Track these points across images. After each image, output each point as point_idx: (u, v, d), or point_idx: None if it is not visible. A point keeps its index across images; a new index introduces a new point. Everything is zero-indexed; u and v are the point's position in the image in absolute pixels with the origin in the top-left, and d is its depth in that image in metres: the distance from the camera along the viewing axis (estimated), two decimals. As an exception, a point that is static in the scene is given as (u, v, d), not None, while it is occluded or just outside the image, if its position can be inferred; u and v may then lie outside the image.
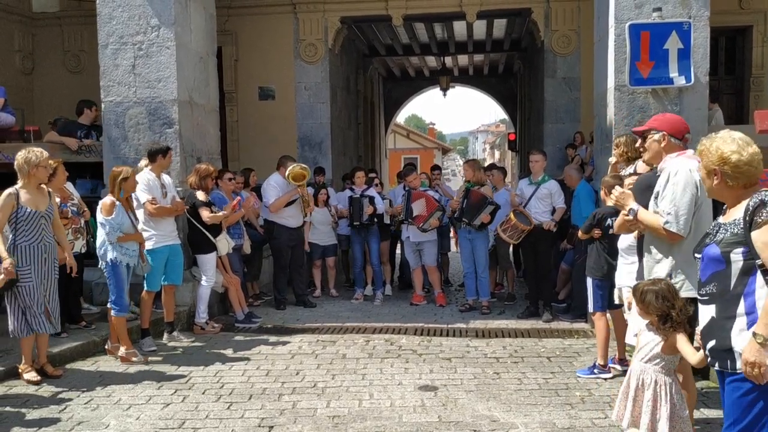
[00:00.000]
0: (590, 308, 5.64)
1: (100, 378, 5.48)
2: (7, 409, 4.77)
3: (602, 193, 5.49)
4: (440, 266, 9.18)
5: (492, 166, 10.06)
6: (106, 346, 6.12)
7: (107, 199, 5.87)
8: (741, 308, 2.69)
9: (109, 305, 5.99)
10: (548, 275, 7.81)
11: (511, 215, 7.42)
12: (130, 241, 5.92)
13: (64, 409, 4.78)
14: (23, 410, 4.75)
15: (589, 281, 5.56)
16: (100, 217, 5.87)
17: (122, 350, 5.91)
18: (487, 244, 8.06)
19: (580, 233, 5.78)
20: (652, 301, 3.42)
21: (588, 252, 5.68)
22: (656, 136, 4.01)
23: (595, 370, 5.42)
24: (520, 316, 7.62)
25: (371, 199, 8.64)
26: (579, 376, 5.42)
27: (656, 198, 3.81)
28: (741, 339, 2.68)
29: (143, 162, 6.72)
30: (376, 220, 8.74)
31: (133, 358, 5.86)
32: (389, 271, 9.48)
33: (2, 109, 8.35)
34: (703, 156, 2.89)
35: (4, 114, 8.36)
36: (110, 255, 5.81)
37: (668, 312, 3.38)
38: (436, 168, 10.51)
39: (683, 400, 3.54)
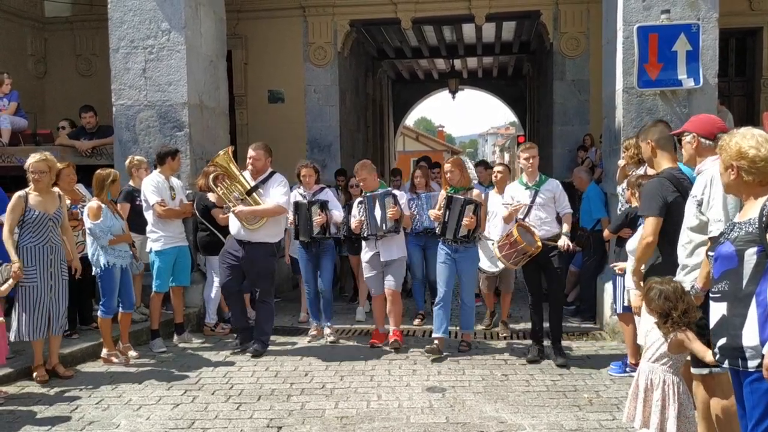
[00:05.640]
0: (619, 309, 5.47)
1: (110, 378, 5.53)
2: (20, 408, 4.83)
3: (628, 194, 5.40)
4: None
5: (482, 163, 8.96)
6: (116, 347, 6.17)
7: (93, 203, 5.79)
8: (753, 307, 2.69)
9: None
10: (560, 305, 6.17)
11: (514, 231, 5.73)
12: (121, 243, 5.91)
13: (75, 408, 4.83)
14: (35, 409, 4.80)
15: (622, 281, 5.33)
16: (87, 222, 5.78)
17: (104, 351, 5.94)
18: (477, 264, 6.47)
19: (606, 233, 5.69)
20: (654, 297, 3.47)
21: (618, 251, 5.52)
22: (687, 138, 3.87)
23: (627, 369, 5.41)
24: (529, 360, 5.92)
25: (323, 205, 6.60)
26: (611, 375, 5.44)
27: (699, 205, 3.56)
28: (752, 337, 2.67)
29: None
30: (331, 233, 6.77)
31: (114, 359, 5.90)
32: (365, 289, 7.46)
33: (15, 113, 8.48)
34: (722, 151, 2.92)
35: (17, 118, 8.49)
36: (103, 260, 5.77)
37: (668, 312, 3.42)
38: (436, 165, 8.80)
39: (690, 399, 3.57)
